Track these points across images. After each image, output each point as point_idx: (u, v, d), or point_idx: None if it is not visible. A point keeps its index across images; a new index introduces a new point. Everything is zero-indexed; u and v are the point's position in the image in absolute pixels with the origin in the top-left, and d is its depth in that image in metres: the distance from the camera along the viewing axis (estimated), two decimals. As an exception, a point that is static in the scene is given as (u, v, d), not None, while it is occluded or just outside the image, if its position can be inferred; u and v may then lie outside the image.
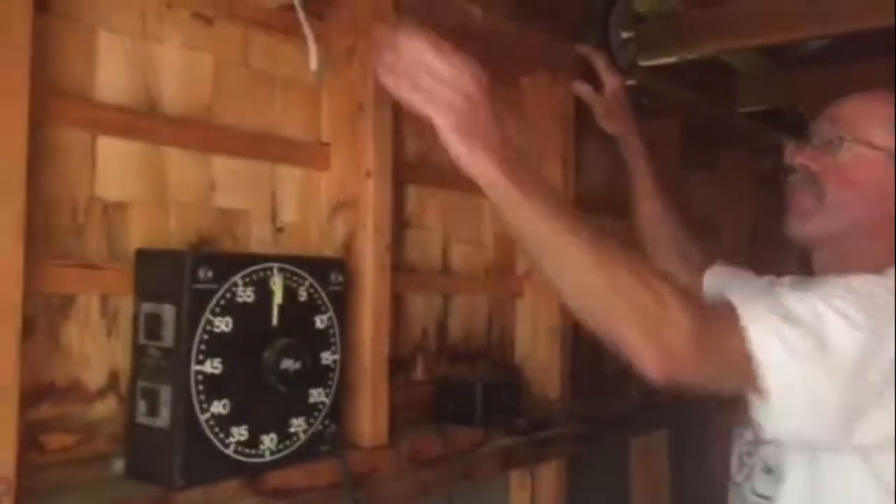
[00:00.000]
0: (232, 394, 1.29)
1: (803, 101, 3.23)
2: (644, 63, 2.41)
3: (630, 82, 2.29)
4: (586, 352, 2.48)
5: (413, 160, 1.90)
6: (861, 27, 2.27)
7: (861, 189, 1.18)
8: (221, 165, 1.50)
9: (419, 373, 1.92)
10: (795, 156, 1.23)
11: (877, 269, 1.12)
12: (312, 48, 1.42)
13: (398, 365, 1.81)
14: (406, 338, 1.88)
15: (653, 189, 1.73)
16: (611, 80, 1.95)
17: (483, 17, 1.84)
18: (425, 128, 1.00)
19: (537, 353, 2.16)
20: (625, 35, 2.22)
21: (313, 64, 1.43)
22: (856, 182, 1.19)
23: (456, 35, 1.86)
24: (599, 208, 2.56)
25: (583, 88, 1.98)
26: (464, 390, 1.88)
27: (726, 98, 3.09)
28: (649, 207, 1.69)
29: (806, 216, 1.23)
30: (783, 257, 3.62)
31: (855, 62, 3.01)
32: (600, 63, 1.96)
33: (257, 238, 1.56)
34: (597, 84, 2.00)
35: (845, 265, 1.17)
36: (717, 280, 1.62)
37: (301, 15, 1.40)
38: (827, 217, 1.21)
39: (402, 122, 1.80)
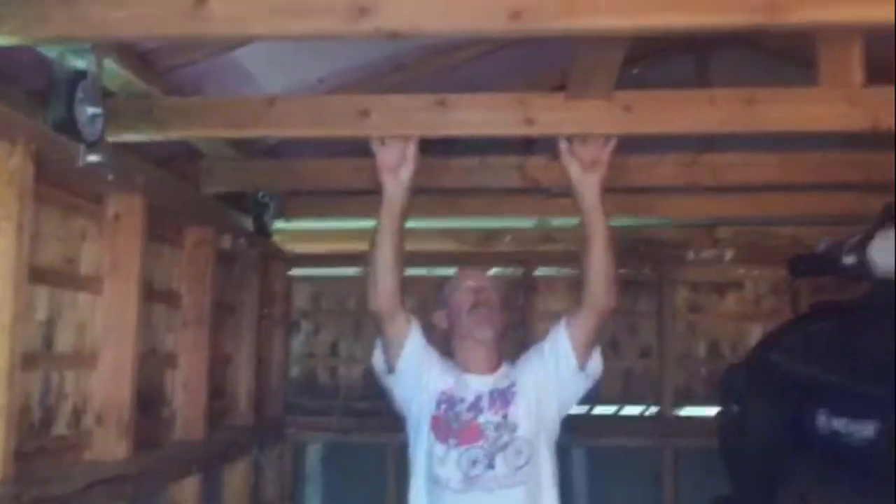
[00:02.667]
0: None
1: (262, 186, 3.61)
2: (112, 139, 2.44)
3: (95, 158, 2.31)
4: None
5: None
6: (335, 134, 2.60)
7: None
8: None
9: None
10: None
11: None
12: None
13: None
14: None
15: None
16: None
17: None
18: None
19: (-22, 434, 2.01)
20: (92, 111, 2.24)
21: None
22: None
23: None
24: (58, 279, 2.49)
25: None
26: None
27: (192, 178, 3.28)
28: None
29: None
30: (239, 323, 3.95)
31: (303, 158, 3.50)
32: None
33: None
34: None
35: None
36: None
37: None
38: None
39: None
